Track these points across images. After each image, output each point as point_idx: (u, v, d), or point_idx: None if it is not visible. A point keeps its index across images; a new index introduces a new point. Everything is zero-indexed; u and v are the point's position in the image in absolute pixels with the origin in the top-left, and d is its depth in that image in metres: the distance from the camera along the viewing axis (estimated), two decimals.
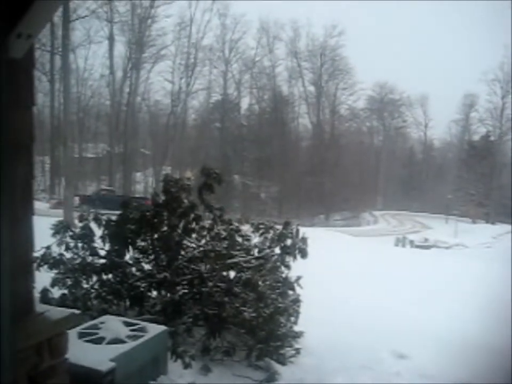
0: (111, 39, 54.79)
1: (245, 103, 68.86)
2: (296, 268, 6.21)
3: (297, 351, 5.93)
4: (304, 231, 6.75)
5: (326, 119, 73.00)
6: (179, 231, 5.74)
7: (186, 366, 5.02)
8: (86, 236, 5.97)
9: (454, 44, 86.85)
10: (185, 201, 5.65)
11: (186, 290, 5.64)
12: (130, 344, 4.48)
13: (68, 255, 6.04)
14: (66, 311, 2.86)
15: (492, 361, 7.04)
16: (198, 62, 62.66)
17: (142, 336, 4.66)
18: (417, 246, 41.63)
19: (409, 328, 8.43)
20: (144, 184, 62.12)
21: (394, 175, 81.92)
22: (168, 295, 5.63)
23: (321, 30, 73.92)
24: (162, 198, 5.85)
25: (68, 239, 6.02)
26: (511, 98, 74.31)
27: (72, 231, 6.05)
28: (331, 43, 69.54)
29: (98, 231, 6.17)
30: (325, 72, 71.06)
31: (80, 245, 6.03)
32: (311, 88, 71.62)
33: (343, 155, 69.29)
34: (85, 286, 5.92)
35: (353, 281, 12.88)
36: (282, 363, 5.70)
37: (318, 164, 64.00)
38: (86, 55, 57.03)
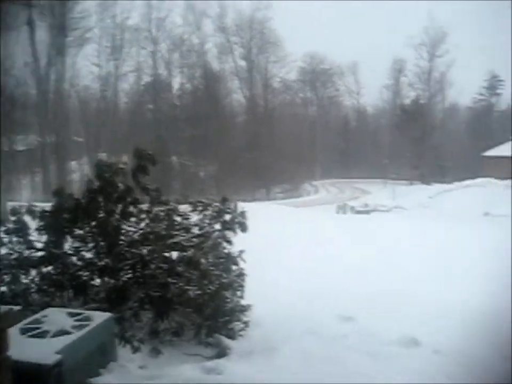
0: (30, 23, 52.52)
1: (176, 82, 67.86)
2: (240, 242, 6.25)
3: (246, 324, 6.00)
4: (245, 206, 6.80)
5: (259, 93, 72.99)
6: (117, 216, 5.66)
7: (136, 350, 5.01)
8: (20, 230, 5.81)
9: (379, 12, 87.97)
10: (120, 185, 5.56)
11: (129, 275, 5.59)
12: (76, 335, 4.42)
13: (3, 250, 5.86)
14: (3, 308, 2.79)
15: (420, 312, 7.38)
16: (125, 43, 61.22)
17: (88, 325, 4.61)
18: (358, 212, 42.53)
19: (353, 291, 8.67)
20: (80, 173, 60.64)
21: (330, 144, 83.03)
22: (112, 281, 5.57)
23: (248, 3, 73.52)
24: (96, 183, 5.74)
25: (2, 235, 5.84)
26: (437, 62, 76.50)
27: (5, 226, 5.86)
28: (258, 16, 69.24)
29: (34, 224, 6.01)
30: (255, 46, 70.84)
31: (15, 239, 5.86)
32: (242, 63, 71.41)
33: (279, 128, 69.63)
34: (25, 281, 5.78)
35: (297, 250, 13.06)
36: (232, 337, 5.77)
37: (254, 139, 64.09)
38: (6, 43, 54.61)
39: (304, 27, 79.00)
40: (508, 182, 56.27)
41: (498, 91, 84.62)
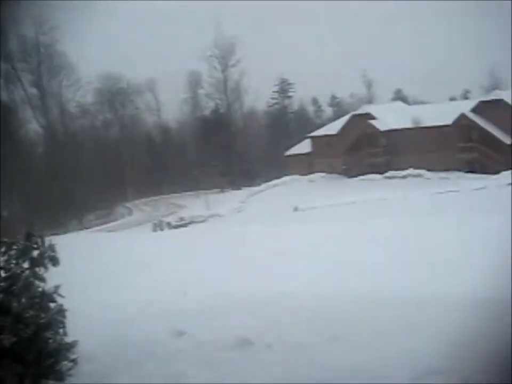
0: None
1: None
2: (56, 278, 5.87)
3: (74, 362, 5.64)
4: (56, 239, 6.39)
5: (56, 120, 69.82)
6: None
7: None
8: None
9: (167, 26, 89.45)
10: None
11: None
12: None
13: None
14: None
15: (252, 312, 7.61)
16: None
17: None
18: (175, 226, 42.79)
19: (181, 305, 8.65)
20: None
21: (138, 163, 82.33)
22: None
23: (30, 27, 69.64)
24: None
25: None
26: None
27: None
28: (44, 40, 66.02)
29: None
30: (45, 71, 67.49)
31: None
32: (34, 90, 67.62)
33: (82, 154, 67.34)
34: None
35: (115, 277, 12.66)
36: (61, 379, 5.38)
37: (59, 168, 61.11)
38: None
39: (95, 47, 77.12)
40: (309, 176, 60.68)
41: (289, 94, 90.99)
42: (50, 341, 5.39)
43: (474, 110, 52.44)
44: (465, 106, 53.91)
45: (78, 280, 10.44)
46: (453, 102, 68.34)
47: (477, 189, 39.52)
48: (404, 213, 26.23)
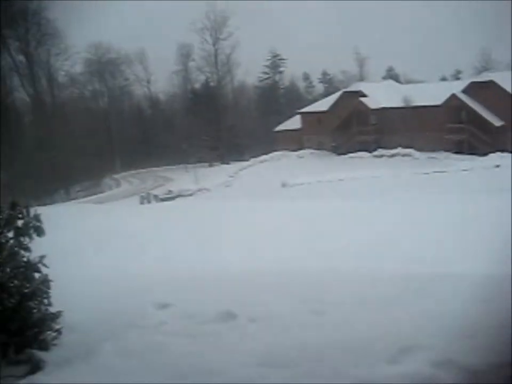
0: None
1: None
2: (41, 248, 5.87)
3: (59, 332, 5.66)
4: (42, 209, 6.36)
5: (44, 89, 68.93)
6: None
7: None
8: None
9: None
10: None
11: None
12: None
13: None
14: None
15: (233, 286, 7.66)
16: None
17: None
18: (162, 199, 42.75)
19: (167, 277, 8.68)
20: None
21: (127, 135, 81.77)
22: None
23: None
24: None
25: None
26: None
27: None
28: (32, 6, 64.82)
29: None
30: (32, 38, 66.31)
31: None
32: (21, 58, 66.53)
33: (71, 124, 66.68)
34: None
35: (100, 248, 12.69)
36: (45, 349, 5.41)
37: (46, 138, 60.51)
38: None
39: (84, 17, 75.92)
40: (298, 153, 60.70)
41: (280, 69, 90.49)
42: (35, 311, 5.40)
43: (465, 90, 52.48)
44: (456, 87, 53.91)
45: (63, 250, 10.43)
46: (444, 82, 68.36)
47: (464, 170, 39.78)
48: (392, 191, 26.40)
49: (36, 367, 5.10)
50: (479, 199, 16.37)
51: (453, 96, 51.89)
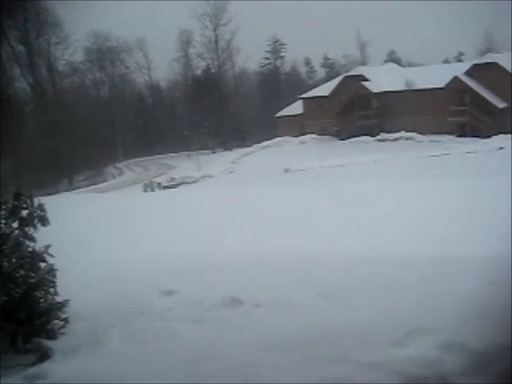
0: None
1: None
2: (46, 238, 5.88)
3: (66, 320, 5.70)
4: (46, 199, 6.36)
5: (45, 78, 68.74)
6: None
7: None
8: None
9: None
10: None
11: None
12: None
13: None
14: None
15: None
16: None
17: None
18: (166, 187, 42.78)
19: (173, 264, 8.69)
20: None
21: (129, 123, 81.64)
22: None
23: None
24: None
25: None
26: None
27: None
28: None
29: None
30: (32, 28, 66.00)
31: None
32: (21, 48, 66.26)
33: (73, 113, 66.52)
34: None
35: (105, 236, 12.70)
36: (53, 337, 5.44)
37: (48, 127, 60.43)
38: None
39: (83, 5, 75.46)
40: (300, 138, 60.54)
41: (281, 54, 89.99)
42: (41, 300, 5.43)
43: (468, 73, 52.12)
44: (459, 69, 53.52)
45: (68, 239, 10.45)
46: (447, 65, 67.85)
47: (468, 152, 39.60)
48: (395, 175, 26.32)
49: (44, 355, 5.13)
50: (489, 181, 16.27)
51: (456, 78, 51.55)
